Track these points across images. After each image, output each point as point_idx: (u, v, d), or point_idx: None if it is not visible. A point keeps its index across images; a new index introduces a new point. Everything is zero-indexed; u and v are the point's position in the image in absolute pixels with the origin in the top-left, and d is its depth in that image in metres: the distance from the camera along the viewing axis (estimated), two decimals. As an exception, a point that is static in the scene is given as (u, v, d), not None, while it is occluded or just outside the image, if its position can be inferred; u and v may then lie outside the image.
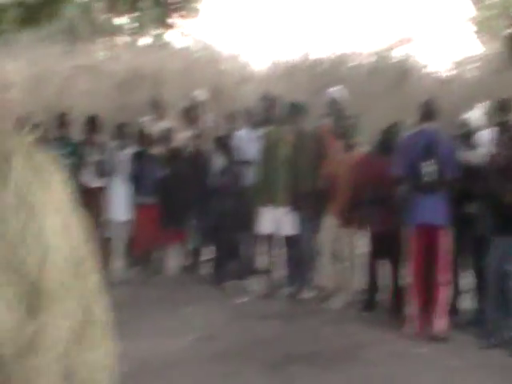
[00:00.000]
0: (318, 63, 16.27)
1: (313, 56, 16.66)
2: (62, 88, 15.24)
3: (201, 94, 10.37)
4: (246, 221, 8.43)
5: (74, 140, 8.98)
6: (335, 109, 8.60)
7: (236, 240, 8.69)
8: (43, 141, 8.42)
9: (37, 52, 16.48)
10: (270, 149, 8.36)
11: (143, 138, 9.17)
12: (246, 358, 6.28)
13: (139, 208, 8.95)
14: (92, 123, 9.14)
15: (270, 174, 8.29)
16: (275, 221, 8.29)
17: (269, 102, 8.59)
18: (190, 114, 9.89)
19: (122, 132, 9.15)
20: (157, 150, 9.20)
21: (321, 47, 16.93)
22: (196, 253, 9.29)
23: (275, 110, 8.52)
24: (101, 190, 8.87)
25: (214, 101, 10.62)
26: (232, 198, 8.56)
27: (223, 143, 8.96)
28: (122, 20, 20.24)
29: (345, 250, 8.08)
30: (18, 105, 12.42)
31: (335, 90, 8.91)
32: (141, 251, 9.20)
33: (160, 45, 21.72)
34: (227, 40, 39.95)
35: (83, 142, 9.11)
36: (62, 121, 8.91)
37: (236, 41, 39.49)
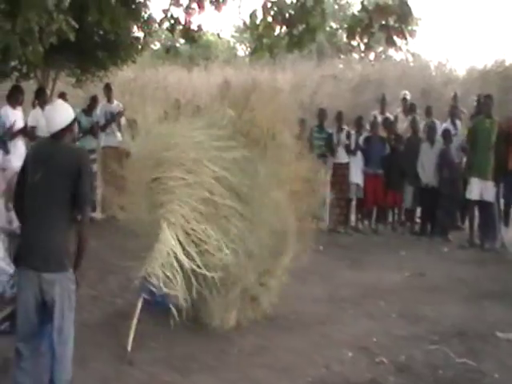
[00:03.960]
0: (508, 68, 14.92)
1: (504, 62, 15.36)
2: (313, 91, 15.47)
3: (407, 94, 10.07)
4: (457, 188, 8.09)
5: (328, 129, 8.95)
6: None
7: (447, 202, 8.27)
8: (304, 129, 8.67)
9: (297, 65, 16.89)
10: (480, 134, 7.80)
11: (373, 127, 8.97)
12: (448, 291, 5.95)
13: (369, 176, 8.79)
14: (339, 117, 9.02)
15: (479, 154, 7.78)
16: (481, 189, 7.78)
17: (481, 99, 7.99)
18: (404, 109, 9.75)
19: (359, 122, 9.01)
20: (383, 135, 8.99)
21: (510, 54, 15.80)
22: (411, 211, 8.92)
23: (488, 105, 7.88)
24: (348, 164, 8.80)
25: (423, 99, 10.14)
26: (447, 171, 8.28)
27: (431, 131, 8.65)
28: (355, 42, 19.98)
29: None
30: (285, 104, 12.83)
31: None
32: (369, 208, 9.00)
33: (383, 58, 21.33)
34: (436, 50, 38.68)
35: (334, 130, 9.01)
36: (321, 114, 8.97)
37: (443, 50, 38.13)
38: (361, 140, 8.80)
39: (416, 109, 9.56)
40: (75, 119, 3.47)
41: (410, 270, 6.66)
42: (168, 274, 4.08)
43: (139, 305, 4.21)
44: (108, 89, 9.30)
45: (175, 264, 4.11)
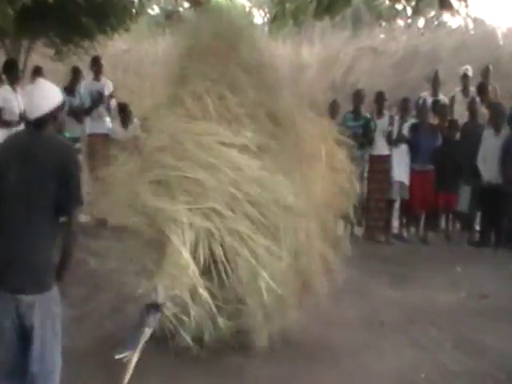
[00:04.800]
0: None
1: None
2: (347, 68, 15.50)
3: (468, 69, 9.97)
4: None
5: (365, 113, 8.92)
6: None
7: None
8: (335, 114, 8.65)
9: (327, 37, 16.93)
10: None
11: (421, 112, 8.95)
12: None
13: (416, 173, 8.75)
14: (380, 99, 8.94)
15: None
16: None
17: None
18: (464, 89, 9.67)
19: (404, 106, 8.96)
20: (433, 122, 8.96)
21: None
22: (468, 216, 8.88)
23: None
24: (389, 157, 8.76)
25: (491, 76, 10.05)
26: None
27: (495, 114, 8.59)
28: (400, 5, 19.99)
29: None
30: (313, 83, 12.90)
31: None
32: (416, 212, 8.95)
33: (435, 25, 21.25)
34: (503, 14, 37.91)
35: (373, 115, 8.97)
36: (358, 96, 8.94)
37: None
38: (406, 128, 8.75)
39: (487, 89, 9.42)
40: (63, 103, 3.45)
41: (468, 290, 6.64)
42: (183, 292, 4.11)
43: (145, 336, 4.15)
44: (96, 63, 9.34)
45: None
